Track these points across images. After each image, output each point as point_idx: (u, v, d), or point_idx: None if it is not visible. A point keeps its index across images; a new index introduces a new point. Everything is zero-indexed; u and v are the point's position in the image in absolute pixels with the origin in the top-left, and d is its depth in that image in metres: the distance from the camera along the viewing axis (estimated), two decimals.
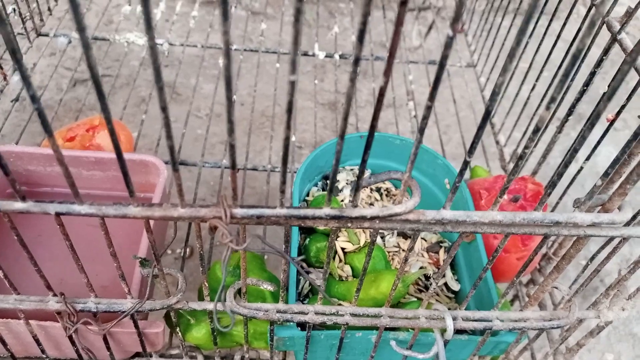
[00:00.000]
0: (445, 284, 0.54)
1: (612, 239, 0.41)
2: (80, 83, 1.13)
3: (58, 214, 0.31)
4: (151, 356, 0.51)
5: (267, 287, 0.43)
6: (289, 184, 0.74)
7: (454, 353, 0.47)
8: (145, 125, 0.91)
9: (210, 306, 0.42)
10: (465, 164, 0.29)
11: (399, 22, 0.22)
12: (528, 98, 0.71)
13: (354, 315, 0.41)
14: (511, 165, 0.72)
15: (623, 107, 0.48)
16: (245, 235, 0.33)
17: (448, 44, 0.24)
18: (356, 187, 0.31)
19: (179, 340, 0.49)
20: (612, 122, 0.49)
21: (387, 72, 0.24)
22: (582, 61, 0.57)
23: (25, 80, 0.24)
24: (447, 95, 1.09)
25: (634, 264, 0.41)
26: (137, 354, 0.51)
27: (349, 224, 0.33)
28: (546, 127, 0.71)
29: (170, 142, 0.26)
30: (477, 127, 0.27)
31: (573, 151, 0.29)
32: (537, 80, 0.68)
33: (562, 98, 0.66)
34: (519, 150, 0.71)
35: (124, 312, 0.40)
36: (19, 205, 0.30)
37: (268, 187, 0.67)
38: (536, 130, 0.28)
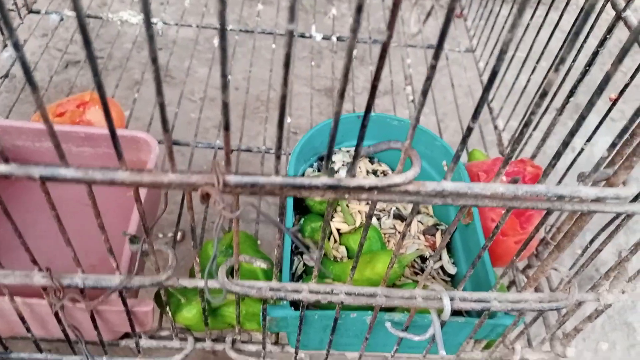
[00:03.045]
0: (442, 267, 0.53)
1: (615, 217, 0.40)
2: (72, 64, 1.11)
3: (43, 179, 0.30)
4: (140, 337, 0.49)
5: (261, 264, 0.41)
6: (285, 161, 0.72)
7: (451, 336, 0.46)
8: (137, 107, 0.89)
9: (201, 283, 0.40)
10: (469, 130, 0.28)
11: None
12: (525, 86, 0.71)
13: (349, 294, 0.40)
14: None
15: (627, 85, 0.47)
16: (239, 206, 0.32)
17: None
18: (354, 156, 0.30)
19: (169, 322, 0.48)
20: (614, 102, 0.48)
21: (391, 25, 0.23)
22: (587, 37, 0.56)
23: (10, 29, 0.22)
24: (445, 83, 1.08)
25: (635, 246, 0.40)
26: (126, 335, 0.49)
27: (347, 195, 0.32)
28: (544, 113, 0.71)
29: (160, 99, 0.25)
30: (483, 90, 0.26)
31: (580, 118, 0.28)
32: (536, 64, 0.67)
33: (560, 85, 0.65)
34: (516, 135, 0.70)
35: (111, 288, 0.39)
36: (1, 167, 0.29)
37: (262, 169, 0.66)
38: (544, 94, 0.27)
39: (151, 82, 1.07)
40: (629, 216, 0.36)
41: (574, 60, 0.55)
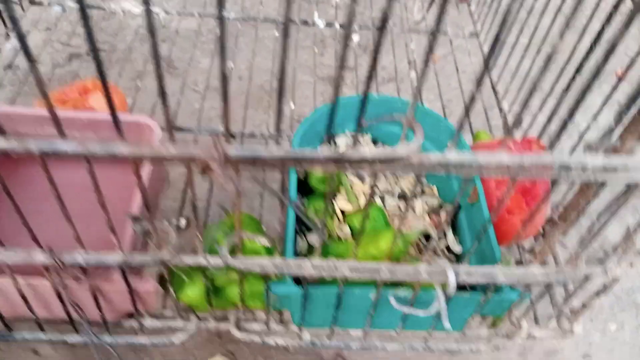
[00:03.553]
0: (447, 247, 0.53)
1: (624, 193, 0.40)
2: (75, 57, 1.11)
3: (42, 154, 0.29)
4: (143, 317, 0.49)
5: (263, 241, 0.41)
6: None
7: (456, 312, 0.46)
8: (141, 98, 0.89)
9: (203, 261, 0.40)
10: (472, 99, 0.28)
11: None
12: (529, 70, 0.70)
13: (352, 269, 0.40)
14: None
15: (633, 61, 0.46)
16: (240, 179, 0.32)
17: None
18: (357, 124, 0.29)
19: (172, 302, 0.48)
20: (620, 79, 0.47)
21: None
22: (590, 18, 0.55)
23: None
24: (449, 70, 1.07)
25: None
26: (130, 315, 0.49)
27: (348, 167, 0.32)
28: (548, 95, 0.70)
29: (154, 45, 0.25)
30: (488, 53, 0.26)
31: (584, 90, 0.28)
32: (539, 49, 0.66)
33: (565, 67, 0.64)
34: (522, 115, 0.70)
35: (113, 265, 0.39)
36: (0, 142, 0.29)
37: None
38: (548, 59, 0.27)
39: (154, 73, 1.07)
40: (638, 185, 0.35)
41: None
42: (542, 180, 0.52)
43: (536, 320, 0.54)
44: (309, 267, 0.40)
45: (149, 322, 0.50)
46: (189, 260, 0.40)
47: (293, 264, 0.40)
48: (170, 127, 0.29)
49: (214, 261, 0.40)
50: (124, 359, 0.67)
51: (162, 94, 0.26)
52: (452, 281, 0.39)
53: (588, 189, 0.36)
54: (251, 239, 0.41)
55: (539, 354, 0.69)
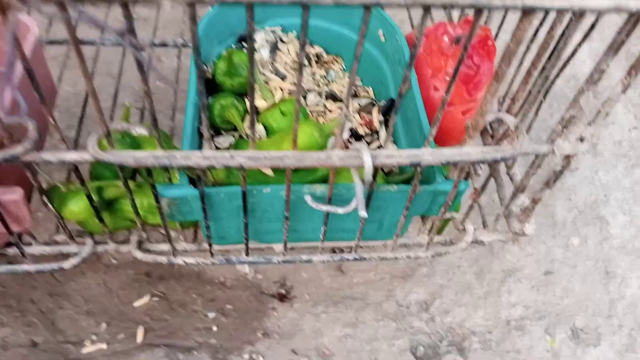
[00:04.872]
0: (380, 147, 0.46)
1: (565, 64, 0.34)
2: None
3: None
4: (31, 244, 0.43)
5: (141, 131, 0.34)
6: None
7: (388, 212, 0.40)
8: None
9: (67, 156, 0.33)
10: None
11: None
12: None
13: (251, 158, 0.33)
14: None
15: None
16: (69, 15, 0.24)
17: None
18: None
19: (57, 221, 0.41)
20: None
21: None
22: None
23: None
24: None
25: (591, 77, 0.33)
26: (14, 245, 0.42)
27: None
28: None
29: None
30: None
31: None
32: None
33: None
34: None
35: None
36: None
37: (179, 62, 0.58)
38: None
39: None
40: (581, 15, 0.29)
41: None
42: (485, 63, 0.45)
43: (484, 224, 0.48)
44: (198, 157, 0.33)
45: (37, 248, 0.43)
46: (51, 157, 0.33)
47: (178, 155, 0.33)
48: None
49: (79, 156, 0.33)
50: (40, 305, 0.60)
51: None
52: (368, 164, 0.33)
53: (518, 33, 0.29)
54: (126, 129, 0.34)
55: (497, 273, 0.64)
